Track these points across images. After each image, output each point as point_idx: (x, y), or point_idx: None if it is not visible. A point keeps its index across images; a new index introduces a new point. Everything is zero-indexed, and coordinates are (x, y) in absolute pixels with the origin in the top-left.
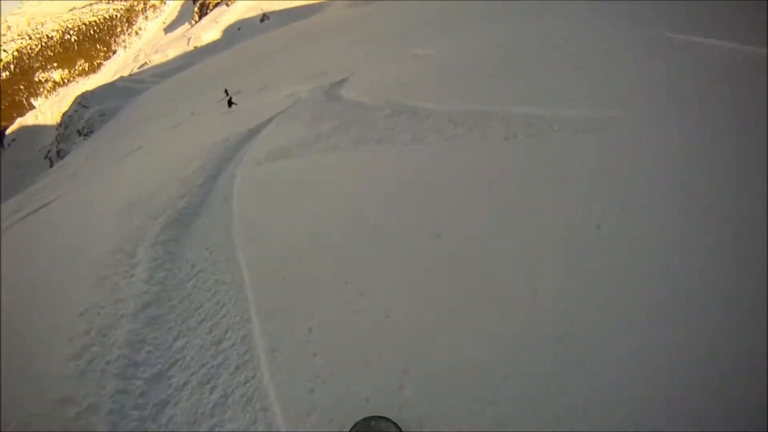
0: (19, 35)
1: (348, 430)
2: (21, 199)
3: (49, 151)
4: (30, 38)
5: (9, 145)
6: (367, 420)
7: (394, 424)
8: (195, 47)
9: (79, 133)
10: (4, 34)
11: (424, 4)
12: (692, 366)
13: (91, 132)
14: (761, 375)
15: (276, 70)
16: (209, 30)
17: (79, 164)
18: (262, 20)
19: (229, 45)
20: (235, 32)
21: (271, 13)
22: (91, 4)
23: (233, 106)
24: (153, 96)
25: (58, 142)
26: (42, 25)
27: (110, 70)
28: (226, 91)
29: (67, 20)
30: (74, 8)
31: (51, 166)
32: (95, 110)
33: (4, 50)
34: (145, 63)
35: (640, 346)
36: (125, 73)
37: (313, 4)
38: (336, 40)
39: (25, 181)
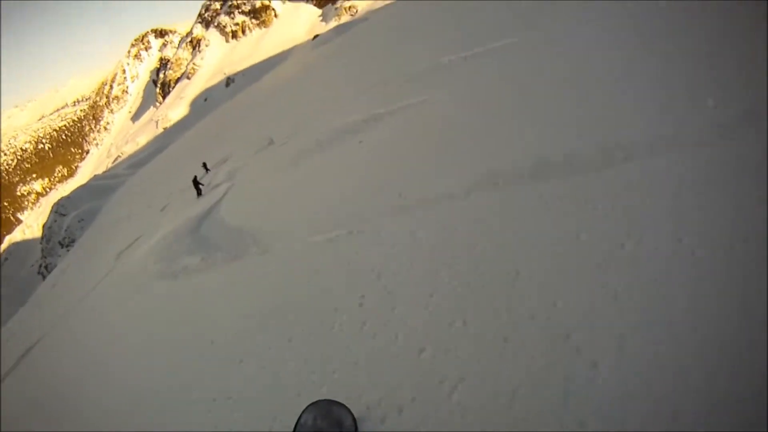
0: None
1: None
2: None
3: (40, 266)
4: (5, 154)
5: (2, 264)
6: (321, 403)
7: (348, 410)
8: (164, 128)
9: (61, 244)
10: None
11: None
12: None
13: (73, 241)
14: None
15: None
16: (175, 108)
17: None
18: (227, 84)
19: (199, 118)
20: (202, 103)
21: (235, 74)
22: (58, 110)
23: (201, 190)
24: (126, 193)
25: (44, 257)
26: (14, 139)
27: (86, 171)
28: (205, 166)
29: (38, 129)
30: (43, 116)
31: (44, 279)
32: (73, 216)
33: None
34: (119, 156)
35: None
36: (101, 171)
37: (278, 55)
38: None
39: (21, 299)
